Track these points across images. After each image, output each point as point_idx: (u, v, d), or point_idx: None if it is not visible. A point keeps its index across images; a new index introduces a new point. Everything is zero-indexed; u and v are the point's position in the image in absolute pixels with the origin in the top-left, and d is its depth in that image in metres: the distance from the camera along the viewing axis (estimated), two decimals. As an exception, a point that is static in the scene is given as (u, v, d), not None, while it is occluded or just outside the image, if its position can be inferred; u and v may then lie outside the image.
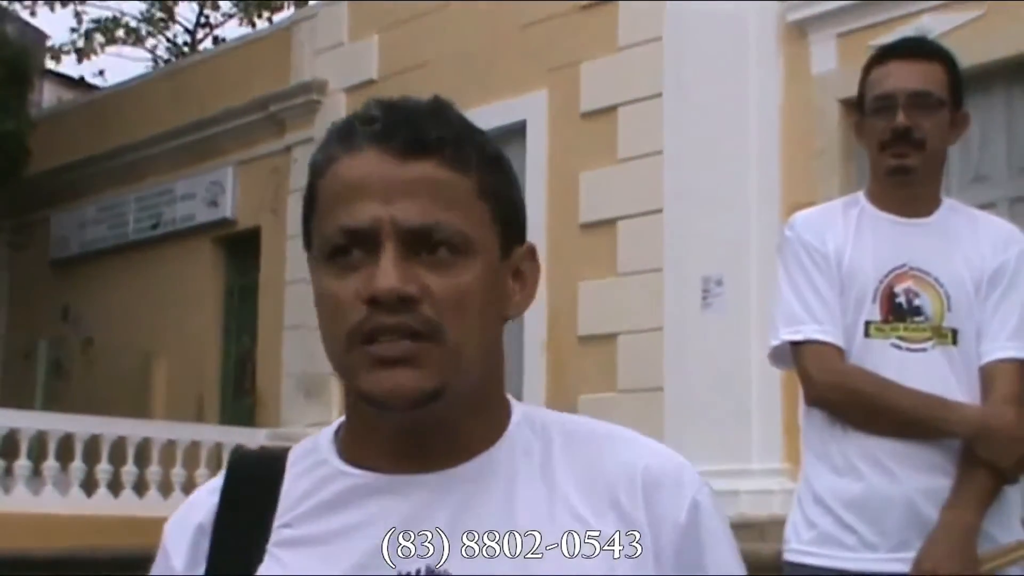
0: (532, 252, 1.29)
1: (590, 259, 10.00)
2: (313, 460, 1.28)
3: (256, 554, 1.23)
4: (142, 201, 14.55)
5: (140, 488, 11.36)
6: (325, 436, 1.30)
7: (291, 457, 1.30)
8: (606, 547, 1.19)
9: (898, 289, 2.74)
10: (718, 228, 8.99)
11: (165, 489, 11.45)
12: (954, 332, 2.74)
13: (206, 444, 11.85)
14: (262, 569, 1.23)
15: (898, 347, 2.72)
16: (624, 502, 1.21)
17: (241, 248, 13.51)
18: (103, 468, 11.18)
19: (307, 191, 1.26)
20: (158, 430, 11.87)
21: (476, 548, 1.18)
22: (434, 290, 1.17)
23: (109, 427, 11.46)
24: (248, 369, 13.33)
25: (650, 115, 9.71)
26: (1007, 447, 2.64)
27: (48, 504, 10.76)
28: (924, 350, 2.72)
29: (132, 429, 11.64)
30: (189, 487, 11.46)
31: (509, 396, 1.31)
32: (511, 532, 1.19)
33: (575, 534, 1.19)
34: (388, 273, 1.15)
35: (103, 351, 14.67)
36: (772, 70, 9.10)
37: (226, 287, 13.85)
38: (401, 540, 1.19)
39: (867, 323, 2.74)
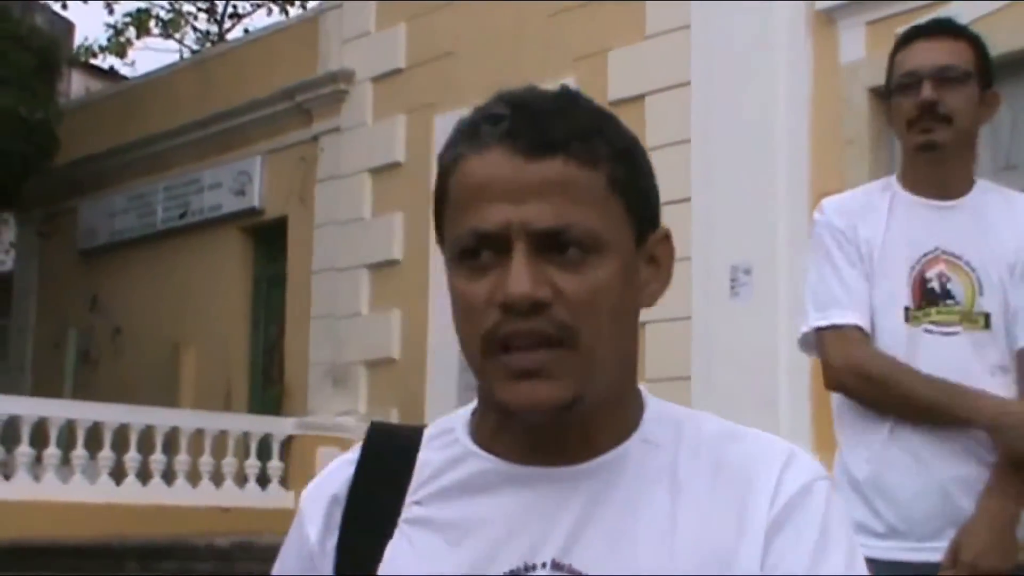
0: (667, 236, 1.27)
1: (617, 248, 9.97)
2: (448, 440, 1.28)
3: (388, 528, 1.24)
4: (170, 191, 14.60)
5: (168, 477, 11.39)
6: (461, 417, 1.30)
7: (427, 434, 1.30)
8: (720, 535, 1.18)
9: (930, 274, 2.71)
10: (746, 217, 8.96)
11: (193, 478, 11.49)
12: (986, 316, 2.70)
13: (234, 433, 11.88)
14: (392, 544, 1.23)
15: (930, 332, 2.69)
16: (750, 503, 1.20)
17: (268, 237, 13.55)
18: (132, 456, 11.22)
19: (436, 190, 1.24)
20: (186, 419, 11.91)
21: (600, 544, 1.18)
22: (566, 292, 1.15)
23: (138, 416, 11.51)
24: (276, 358, 13.36)
25: (678, 104, 9.68)
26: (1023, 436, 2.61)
27: (77, 492, 10.80)
28: (955, 334, 2.69)
29: (161, 418, 11.68)
30: (217, 476, 11.53)
31: (642, 388, 1.29)
32: (633, 530, 1.18)
33: (695, 535, 1.18)
34: (520, 278, 1.14)
35: (131, 340, 14.74)
36: (800, 59, 9.05)
37: (253, 276, 13.89)
38: (528, 531, 1.19)
39: (906, 309, 2.71)
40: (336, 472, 1.31)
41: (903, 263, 2.73)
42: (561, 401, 1.16)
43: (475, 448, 1.25)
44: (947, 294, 2.70)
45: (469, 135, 1.20)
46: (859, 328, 2.71)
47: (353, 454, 1.32)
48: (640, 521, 1.18)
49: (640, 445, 1.23)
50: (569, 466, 1.21)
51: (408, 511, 1.24)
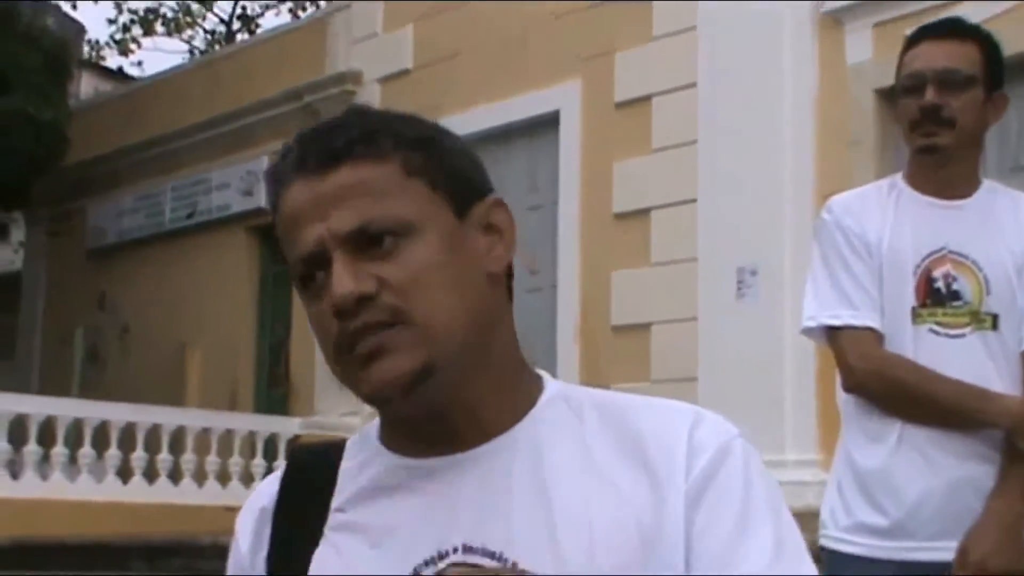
0: (497, 202, 1.30)
1: (624, 249, 9.98)
2: (363, 445, 1.33)
3: (314, 536, 1.28)
4: (178, 191, 14.63)
5: (175, 476, 11.43)
6: (375, 424, 1.33)
7: (349, 443, 1.35)
8: (631, 511, 1.19)
9: (936, 274, 2.70)
10: (752, 218, 8.97)
11: (199, 477, 11.52)
12: (994, 317, 2.69)
13: (240, 432, 11.92)
14: (319, 552, 1.27)
15: (936, 332, 2.68)
16: (660, 467, 1.21)
17: (276, 238, 13.53)
18: (138, 456, 11.25)
19: (276, 238, 1.31)
20: (193, 418, 11.94)
21: (510, 523, 1.20)
22: (388, 278, 1.20)
23: (144, 415, 11.54)
24: (282, 358, 13.38)
25: (684, 105, 9.68)
26: None
27: (84, 491, 10.84)
28: (962, 336, 2.68)
29: (167, 417, 11.71)
30: (223, 476, 11.55)
31: (544, 374, 1.32)
32: (539, 497, 1.21)
33: (605, 491, 1.20)
34: (340, 280, 1.19)
35: (139, 339, 14.78)
36: (807, 60, 9.05)
37: (261, 276, 13.91)
38: (435, 520, 1.22)
39: (912, 308, 2.70)
40: (265, 487, 1.37)
41: (908, 262, 2.72)
42: (410, 372, 1.19)
43: (380, 447, 1.30)
44: (953, 295, 2.69)
45: (274, 178, 1.28)
46: (873, 330, 2.71)
47: (280, 471, 1.37)
48: (550, 497, 1.21)
49: (537, 424, 1.26)
50: (463, 452, 1.24)
51: (333, 518, 1.28)
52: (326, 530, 1.28)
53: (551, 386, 1.31)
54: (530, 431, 1.26)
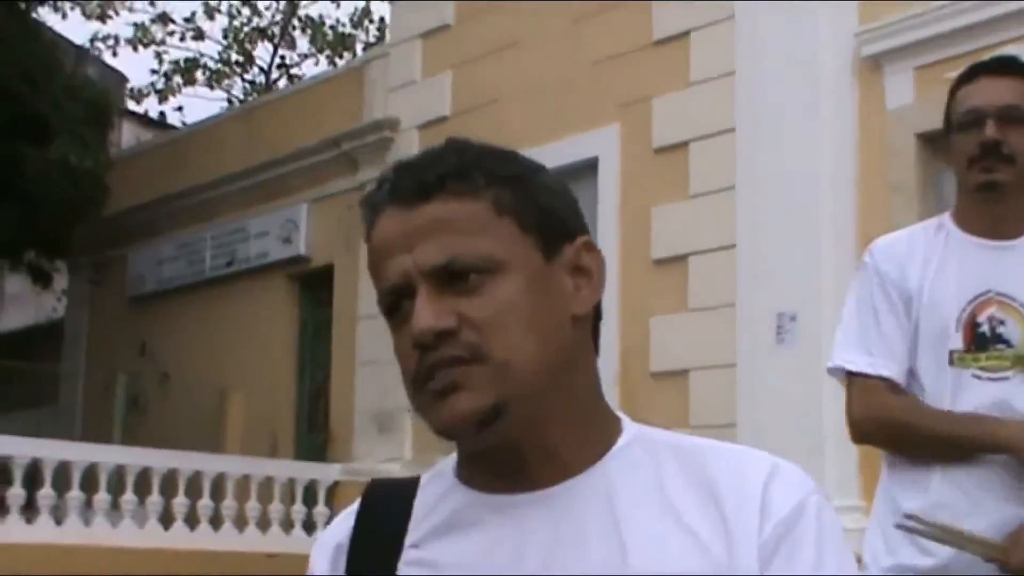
0: (587, 244, 1.31)
1: (662, 294, 9.96)
2: (438, 480, 1.33)
3: (388, 572, 1.28)
4: (217, 239, 14.73)
5: (215, 522, 11.45)
6: (451, 458, 1.34)
7: (423, 480, 1.36)
8: (706, 559, 1.19)
9: (981, 318, 2.68)
10: (792, 264, 8.93)
11: (240, 523, 11.53)
12: None
13: (279, 479, 11.93)
14: None
15: (978, 377, 2.66)
16: (734, 516, 1.21)
17: (315, 285, 13.62)
18: (180, 501, 11.28)
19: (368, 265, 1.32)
20: (233, 465, 11.97)
21: (583, 564, 1.20)
22: (469, 315, 1.21)
23: (186, 461, 11.58)
24: (321, 404, 13.40)
25: (722, 150, 9.68)
26: None
27: (126, 537, 10.86)
28: (1006, 379, 2.65)
29: (208, 464, 11.75)
30: (263, 522, 11.56)
31: (623, 416, 1.33)
32: (613, 539, 1.20)
33: (682, 536, 1.20)
34: (421, 314, 1.21)
35: (179, 386, 14.84)
36: (847, 104, 9.04)
37: (300, 323, 13.96)
38: (506, 558, 1.22)
39: (951, 352, 2.68)
40: (340, 523, 1.37)
41: (952, 305, 2.69)
42: (480, 409, 1.19)
43: (456, 483, 1.30)
44: (997, 338, 2.66)
45: (368, 207, 1.29)
46: (886, 379, 2.71)
47: (354, 506, 1.37)
48: (624, 539, 1.20)
49: (614, 466, 1.26)
50: (538, 491, 1.25)
51: (406, 554, 1.28)
52: (400, 565, 1.28)
53: (630, 428, 1.31)
54: (606, 473, 1.25)
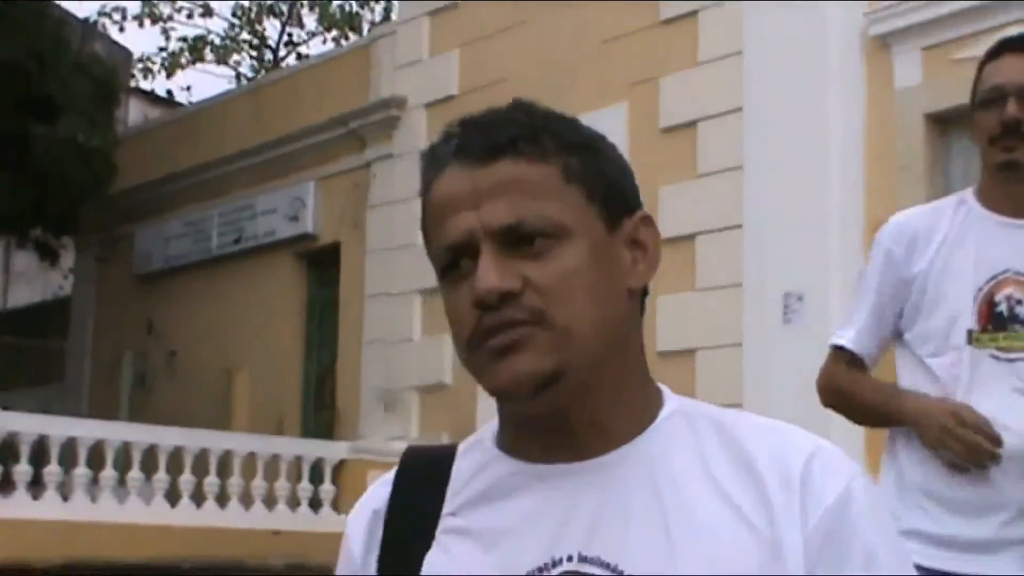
0: (646, 219, 1.31)
1: (669, 274, 9.93)
2: (477, 449, 1.33)
3: (426, 539, 1.28)
4: (225, 216, 14.74)
5: (222, 499, 11.49)
6: (491, 427, 1.34)
7: (460, 447, 1.35)
8: (751, 532, 1.18)
9: (999, 297, 2.65)
10: (799, 244, 8.93)
11: (246, 501, 11.57)
12: None
13: (286, 457, 11.96)
14: (430, 555, 1.27)
15: (996, 358, 2.64)
16: (775, 495, 1.20)
17: (322, 263, 13.64)
18: (186, 479, 11.32)
19: (421, 219, 1.30)
20: (240, 442, 12.00)
21: (628, 535, 1.20)
22: (534, 279, 1.20)
23: (192, 439, 11.61)
24: (328, 383, 13.43)
25: (730, 130, 9.66)
26: (936, 436, 2.62)
27: (133, 514, 10.90)
28: (1021, 359, 2.63)
29: (214, 441, 11.79)
30: (270, 499, 11.59)
31: (664, 388, 1.32)
32: (657, 510, 1.20)
33: (724, 507, 1.20)
34: (486, 275, 1.19)
35: (186, 364, 14.88)
36: (854, 84, 9.01)
37: (307, 301, 13.98)
38: (550, 528, 1.22)
39: (968, 331, 2.66)
40: (377, 490, 1.36)
41: (969, 284, 2.67)
42: (541, 372, 1.19)
43: (498, 452, 1.29)
44: (1015, 318, 2.64)
45: (431, 161, 1.28)
46: (850, 348, 2.80)
47: (392, 474, 1.36)
48: (667, 510, 1.20)
49: (657, 438, 1.26)
50: (585, 461, 1.24)
51: (444, 522, 1.28)
52: (438, 533, 1.28)
53: (671, 400, 1.31)
54: (650, 445, 1.25)
